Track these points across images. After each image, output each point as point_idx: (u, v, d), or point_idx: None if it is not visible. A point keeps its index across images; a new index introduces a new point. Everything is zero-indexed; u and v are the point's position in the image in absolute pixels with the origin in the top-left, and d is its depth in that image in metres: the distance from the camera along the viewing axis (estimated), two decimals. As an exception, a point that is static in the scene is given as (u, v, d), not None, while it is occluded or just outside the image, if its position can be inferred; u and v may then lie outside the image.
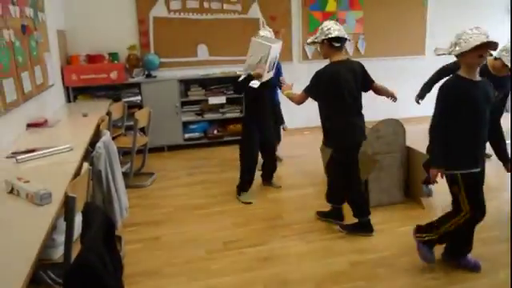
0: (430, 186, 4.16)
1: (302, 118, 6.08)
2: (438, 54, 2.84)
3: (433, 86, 4.29)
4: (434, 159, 2.84)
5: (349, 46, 6.84)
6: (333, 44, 3.27)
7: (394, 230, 3.62)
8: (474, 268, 2.97)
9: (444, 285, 2.86)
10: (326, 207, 3.85)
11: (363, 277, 2.95)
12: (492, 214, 3.61)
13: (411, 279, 2.93)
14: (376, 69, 6.99)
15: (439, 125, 2.75)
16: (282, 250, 3.35)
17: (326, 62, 3.39)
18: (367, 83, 3.49)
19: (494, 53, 3.21)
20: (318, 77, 3.31)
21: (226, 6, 6.20)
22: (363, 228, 3.56)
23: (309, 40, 3.54)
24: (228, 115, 6.26)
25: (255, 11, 6.33)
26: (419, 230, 3.05)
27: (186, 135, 6.16)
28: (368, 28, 6.89)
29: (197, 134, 6.25)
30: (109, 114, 4.46)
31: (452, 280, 2.90)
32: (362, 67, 3.47)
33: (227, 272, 3.06)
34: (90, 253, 1.39)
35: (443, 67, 4.28)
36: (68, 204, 2.00)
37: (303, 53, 6.69)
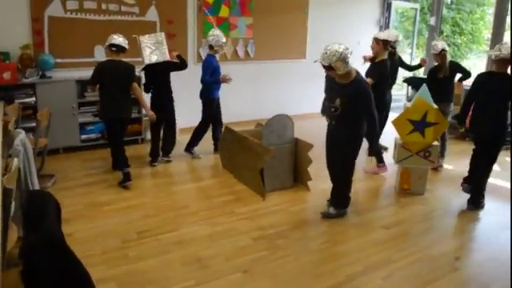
0: None
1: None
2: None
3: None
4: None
5: (240, 50, 7.40)
6: (112, 49, 4.70)
7: (287, 210, 4.22)
8: None
9: (332, 246, 3.54)
10: (228, 195, 4.38)
11: (266, 248, 3.48)
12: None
13: (306, 246, 3.55)
14: (265, 71, 7.79)
15: None
16: (192, 233, 3.73)
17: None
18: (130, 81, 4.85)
19: None
20: (95, 68, 4.81)
21: (123, 8, 6.33)
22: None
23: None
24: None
25: (153, 14, 6.56)
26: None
27: (83, 136, 6.18)
28: (257, 33, 7.51)
29: (94, 135, 6.30)
30: (6, 115, 4.41)
31: (337, 243, 3.60)
32: (130, 69, 4.80)
33: (145, 257, 3.36)
34: (54, 228, 1.66)
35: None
36: (6, 195, 2.19)
37: (198, 55, 7.07)
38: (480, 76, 4.23)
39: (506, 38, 6.85)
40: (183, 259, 3.32)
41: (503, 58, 3.93)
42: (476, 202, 4.31)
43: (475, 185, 4.36)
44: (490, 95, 4.03)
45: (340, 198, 4.08)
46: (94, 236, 3.70)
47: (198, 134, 5.80)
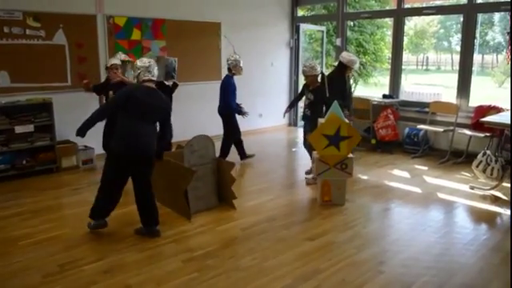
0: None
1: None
2: None
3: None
4: None
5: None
6: None
7: (214, 230, 4.25)
8: None
9: (261, 262, 3.61)
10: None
11: (196, 269, 3.47)
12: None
13: (235, 263, 3.59)
14: (182, 93, 7.76)
15: None
16: (119, 261, 3.62)
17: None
18: None
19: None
20: None
21: (28, 32, 6.05)
22: None
23: None
24: (38, 143, 6.07)
25: (61, 38, 6.32)
26: None
27: (-10, 168, 5.77)
28: (171, 55, 7.51)
29: (3, 166, 5.88)
30: None
31: (266, 258, 3.67)
32: None
33: (70, 290, 3.20)
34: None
35: None
36: None
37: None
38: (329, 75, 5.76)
39: (404, 57, 7.55)
40: (112, 289, 3.21)
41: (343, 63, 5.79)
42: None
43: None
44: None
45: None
46: (9, 274, 3.45)
47: (227, 147, 6.37)
